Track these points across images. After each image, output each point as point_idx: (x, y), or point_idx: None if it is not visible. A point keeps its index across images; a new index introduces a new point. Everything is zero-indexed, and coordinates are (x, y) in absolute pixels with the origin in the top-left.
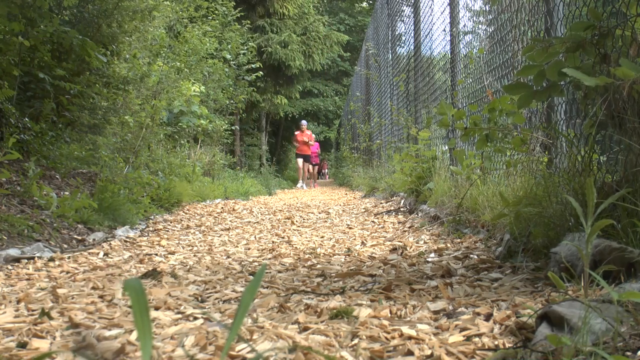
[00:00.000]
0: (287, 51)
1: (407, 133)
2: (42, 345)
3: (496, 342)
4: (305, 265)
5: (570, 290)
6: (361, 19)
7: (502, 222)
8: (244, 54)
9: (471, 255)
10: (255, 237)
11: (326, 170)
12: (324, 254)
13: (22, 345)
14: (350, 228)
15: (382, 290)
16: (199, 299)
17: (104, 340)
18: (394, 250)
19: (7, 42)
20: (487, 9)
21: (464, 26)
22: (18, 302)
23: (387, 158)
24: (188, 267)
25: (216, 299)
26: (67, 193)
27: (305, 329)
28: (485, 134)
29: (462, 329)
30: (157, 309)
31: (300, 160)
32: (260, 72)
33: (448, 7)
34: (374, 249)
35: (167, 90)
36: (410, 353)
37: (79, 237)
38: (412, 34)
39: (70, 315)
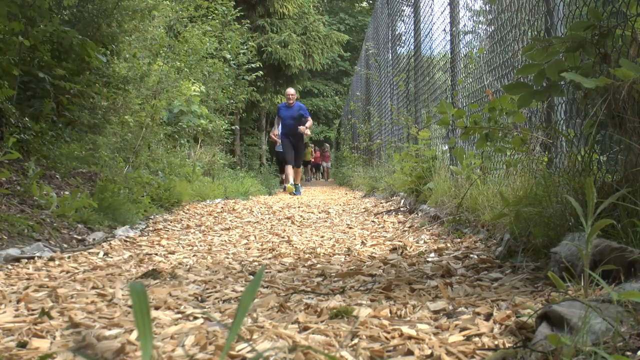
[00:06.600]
0: (287, 51)
1: (407, 133)
2: (42, 345)
3: (496, 342)
4: (305, 265)
5: (570, 290)
6: (361, 18)
7: (502, 222)
8: (243, 53)
9: (471, 255)
10: (255, 236)
11: (328, 164)
12: (324, 253)
13: (22, 345)
14: (350, 228)
15: (382, 290)
16: (199, 298)
17: (104, 340)
18: (394, 250)
19: (7, 42)
20: (487, 8)
21: (464, 26)
22: (18, 301)
23: (387, 158)
24: (188, 266)
25: (216, 298)
26: (67, 193)
27: (305, 328)
28: (485, 133)
29: (462, 329)
30: (157, 308)
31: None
32: (260, 72)
33: (448, 6)
34: (374, 248)
35: (167, 90)
36: (410, 353)
37: (79, 237)
38: (412, 34)
39: (70, 315)
